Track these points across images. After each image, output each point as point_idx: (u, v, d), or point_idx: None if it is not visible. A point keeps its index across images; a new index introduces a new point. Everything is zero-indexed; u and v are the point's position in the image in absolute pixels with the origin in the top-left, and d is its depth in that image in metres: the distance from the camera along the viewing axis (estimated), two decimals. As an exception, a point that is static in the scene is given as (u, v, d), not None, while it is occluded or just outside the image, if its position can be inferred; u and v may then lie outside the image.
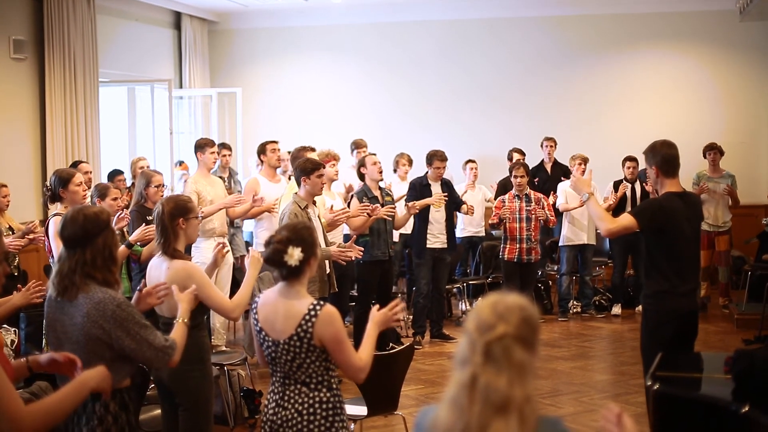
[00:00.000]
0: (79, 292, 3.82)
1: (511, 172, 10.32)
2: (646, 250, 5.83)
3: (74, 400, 3.36)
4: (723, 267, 11.25)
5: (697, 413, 4.42)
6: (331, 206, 8.29)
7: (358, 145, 10.93)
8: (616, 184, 11.19)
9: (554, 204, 10.70)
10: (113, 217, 6.30)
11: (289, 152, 10.39)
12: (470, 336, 2.37)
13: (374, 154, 9.42)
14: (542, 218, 9.98)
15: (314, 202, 7.50)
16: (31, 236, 7.86)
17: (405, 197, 9.81)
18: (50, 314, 3.95)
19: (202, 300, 4.87)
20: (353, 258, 7.63)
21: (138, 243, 6.86)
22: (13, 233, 8.35)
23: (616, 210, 10.82)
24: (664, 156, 5.64)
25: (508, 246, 10.03)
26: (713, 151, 11.13)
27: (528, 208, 9.99)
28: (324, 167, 7.62)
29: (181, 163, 12.28)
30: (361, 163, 9.23)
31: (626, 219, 5.69)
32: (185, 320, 4.23)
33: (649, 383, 4.54)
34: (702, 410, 4.41)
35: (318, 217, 7.46)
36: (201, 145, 9.08)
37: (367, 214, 8.54)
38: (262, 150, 9.63)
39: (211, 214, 8.65)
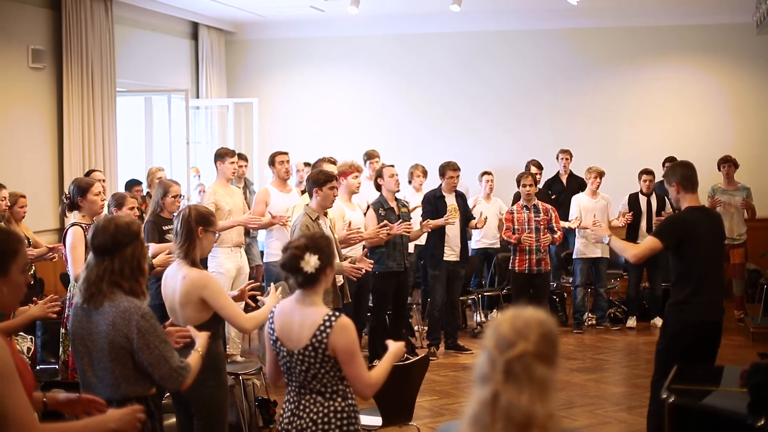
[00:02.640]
0: (105, 300, 3.85)
1: (518, 182, 10.26)
2: (671, 261, 6.13)
3: None
4: (738, 280, 11.19)
5: (713, 426, 4.42)
6: (349, 223, 8.25)
7: (370, 156, 10.94)
8: (632, 198, 11.17)
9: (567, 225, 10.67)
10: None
11: (307, 164, 10.41)
12: (490, 353, 2.35)
13: (392, 166, 9.41)
14: (548, 243, 9.92)
15: (326, 214, 7.48)
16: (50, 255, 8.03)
17: (421, 210, 9.75)
18: (76, 321, 3.97)
19: (217, 311, 4.90)
20: (365, 272, 7.57)
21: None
22: (30, 243, 8.40)
23: (631, 225, 10.83)
24: (683, 173, 6.08)
25: (518, 257, 9.96)
26: (728, 163, 11.08)
27: (537, 218, 9.95)
28: (336, 179, 7.59)
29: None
30: (379, 174, 9.24)
31: (650, 241, 6.12)
32: (201, 352, 4.24)
33: (665, 395, 4.54)
34: (717, 423, 4.42)
35: (330, 228, 7.42)
36: (221, 155, 9.04)
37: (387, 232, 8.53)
38: (271, 161, 9.51)
39: (223, 230, 8.56)
